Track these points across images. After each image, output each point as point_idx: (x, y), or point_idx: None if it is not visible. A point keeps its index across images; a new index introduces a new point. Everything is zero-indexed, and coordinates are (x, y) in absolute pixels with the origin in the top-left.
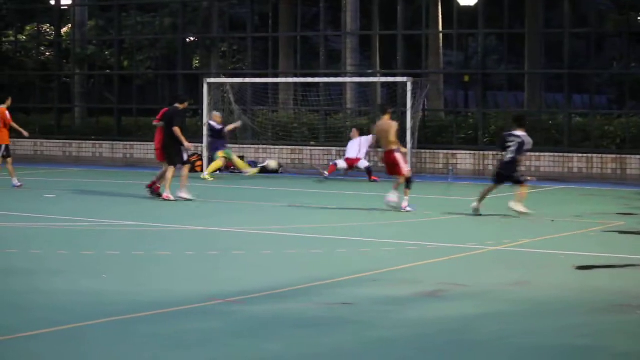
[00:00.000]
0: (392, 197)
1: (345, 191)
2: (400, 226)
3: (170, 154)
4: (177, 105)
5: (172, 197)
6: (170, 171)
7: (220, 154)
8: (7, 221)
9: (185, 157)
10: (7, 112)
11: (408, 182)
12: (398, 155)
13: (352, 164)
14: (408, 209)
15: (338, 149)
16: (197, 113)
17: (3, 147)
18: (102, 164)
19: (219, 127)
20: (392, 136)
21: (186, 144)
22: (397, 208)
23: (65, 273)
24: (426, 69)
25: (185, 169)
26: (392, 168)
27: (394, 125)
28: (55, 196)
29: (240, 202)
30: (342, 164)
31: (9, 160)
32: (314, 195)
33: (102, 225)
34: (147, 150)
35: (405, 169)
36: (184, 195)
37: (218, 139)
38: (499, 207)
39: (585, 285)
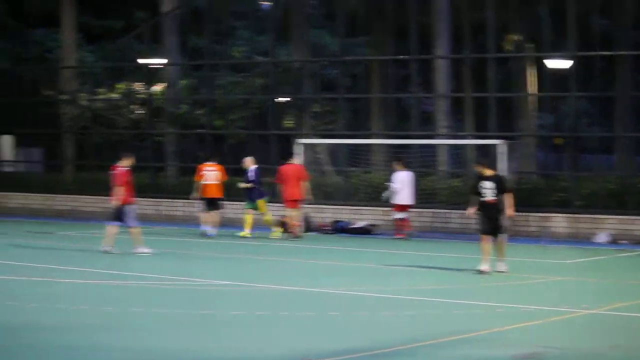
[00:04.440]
0: None
1: (435, 252)
2: (493, 289)
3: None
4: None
5: (488, 269)
6: (484, 241)
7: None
8: (99, 279)
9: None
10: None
11: None
12: None
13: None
14: None
15: (432, 210)
16: None
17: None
18: (194, 223)
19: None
20: None
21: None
22: None
23: (159, 331)
24: (518, 132)
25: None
26: None
27: None
28: (148, 254)
29: (332, 262)
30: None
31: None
32: (404, 257)
33: (196, 284)
34: (240, 209)
35: None
36: (503, 268)
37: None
38: (597, 269)
39: None
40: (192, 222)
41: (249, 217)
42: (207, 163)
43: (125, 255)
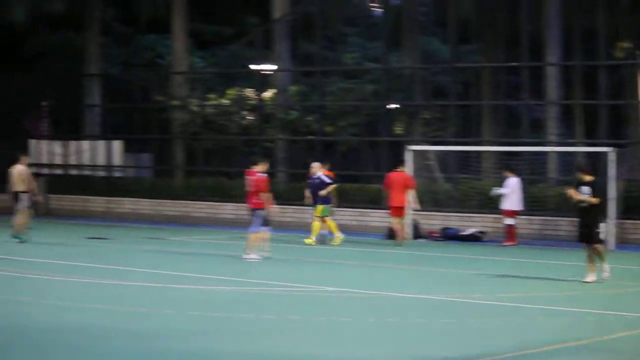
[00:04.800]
0: None
1: (544, 260)
2: (601, 296)
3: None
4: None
5: (592, 279)
6: (584, 248)
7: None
8: (215, 284)
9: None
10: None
11: None
12: None
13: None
14: None
15: (540, 217)
16: None
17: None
18: (305, 229)
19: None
20: None
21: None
22: None
23: (270, 336)
24: (628, 139)
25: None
26: None
27: None
28: (262, 260)
29: (441, 269)
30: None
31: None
32: (513, 264)
33: (305, 290)
34: (349, 215)
35: None
36: (595, 277)
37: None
38: None
39: None
40: (302, 228)
41: (331, 223)
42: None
43: (236, 260)
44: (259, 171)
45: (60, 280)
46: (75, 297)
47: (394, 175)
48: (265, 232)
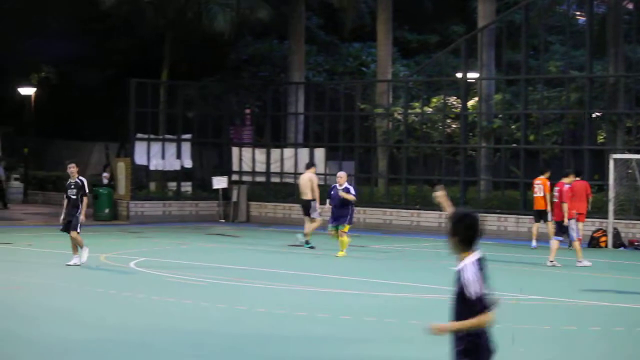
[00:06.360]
0: None
1: None
2: None
3: None
4: None
5: None
6: None
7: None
8: (414, 292)
9: None
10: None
11: None
12: None
13: None
14: None
15: None
16: (602, 188)
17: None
18: (506, 238)
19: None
20: None
21: None
22: None
23: None
24: None
25: None
26: None
27: None
28: (588, 266)
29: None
30: None
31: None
32: None
33: (518, 298)
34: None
35: None
36: None
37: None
38: None
39: None
40: (504, 236)
41: (338, 237)
42: (539, 177)
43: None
44: (566, 182)
45: (272, 289)
46: (293, 305)
47: (575, 183)
48: (555, 241)
